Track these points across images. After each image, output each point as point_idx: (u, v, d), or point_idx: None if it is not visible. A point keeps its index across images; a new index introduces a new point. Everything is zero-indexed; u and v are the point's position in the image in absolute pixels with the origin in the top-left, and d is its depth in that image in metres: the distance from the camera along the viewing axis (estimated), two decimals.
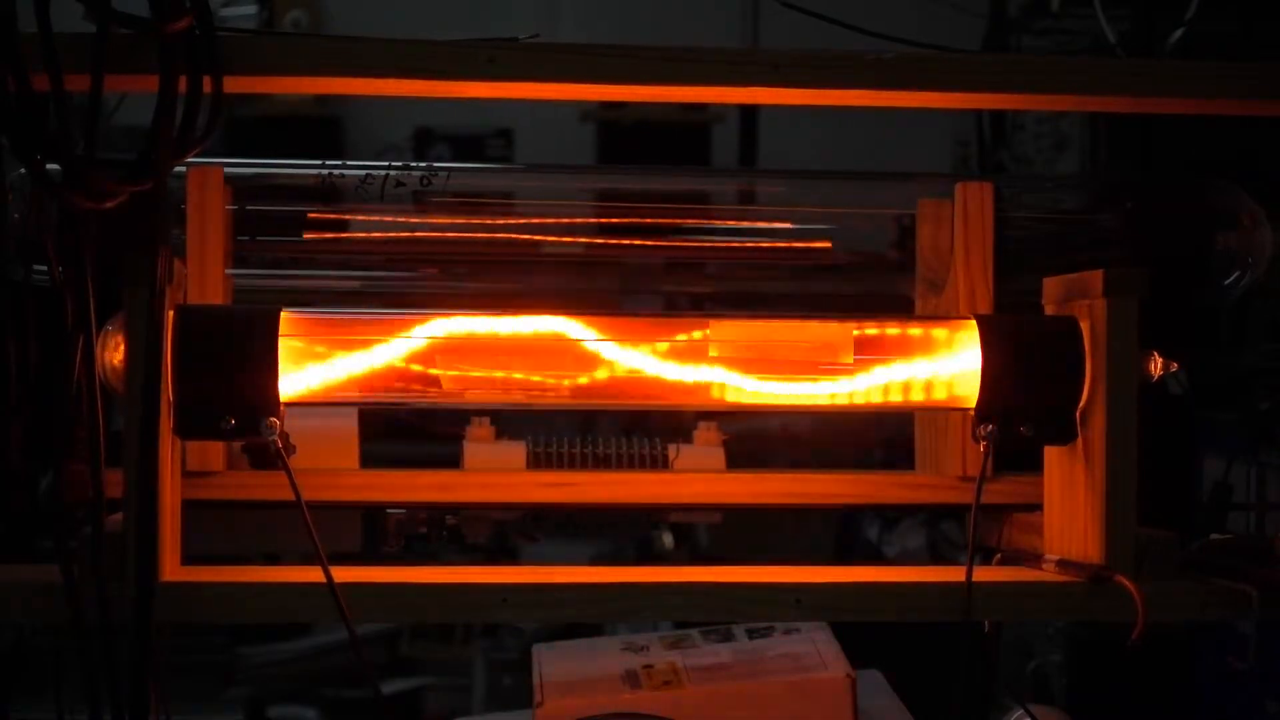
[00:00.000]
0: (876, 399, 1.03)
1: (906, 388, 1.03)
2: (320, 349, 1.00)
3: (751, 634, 1.23)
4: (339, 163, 1.19)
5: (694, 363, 1.02)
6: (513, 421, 1.22)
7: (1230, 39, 1.90)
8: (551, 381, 1.01)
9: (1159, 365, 1.02)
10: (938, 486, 1.15)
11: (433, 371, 1.00)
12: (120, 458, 0.94)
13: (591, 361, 1.01)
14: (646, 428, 1.23)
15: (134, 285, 0.93)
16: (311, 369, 1.00)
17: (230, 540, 1.13)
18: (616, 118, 3.87)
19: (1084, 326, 1.02)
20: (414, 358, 1.00)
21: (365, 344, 1.00)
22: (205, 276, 1.08)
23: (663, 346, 1.02)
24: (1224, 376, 1.66)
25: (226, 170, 1.11)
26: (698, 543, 2.96)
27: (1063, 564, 1.03)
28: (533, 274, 1.23)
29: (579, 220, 1.23)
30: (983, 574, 1.02)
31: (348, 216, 1.18)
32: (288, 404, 0.98)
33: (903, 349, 1.03)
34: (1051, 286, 1.08)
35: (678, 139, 3.88)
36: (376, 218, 1.18)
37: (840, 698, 1.15)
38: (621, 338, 1.01)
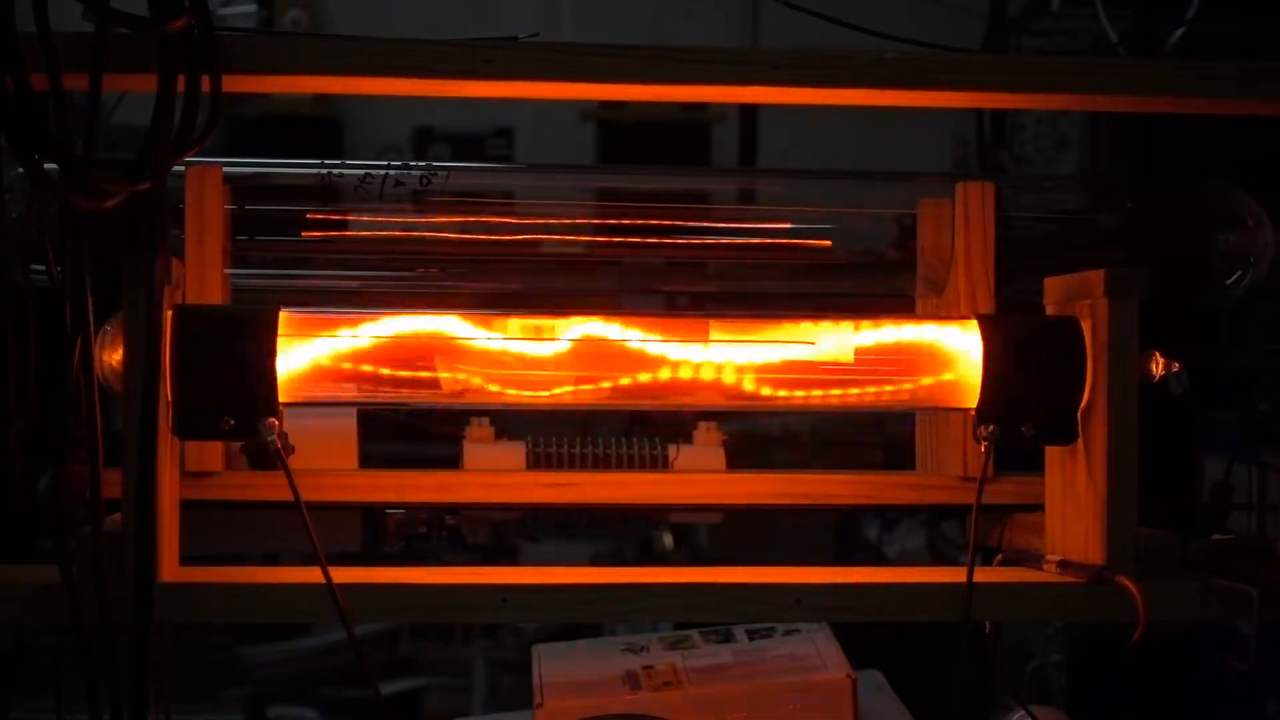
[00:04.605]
0: (877, 399, 1.03)
1: (907, 388, 1.03)
2: (319, 349, 1.00)
3: (752, 635, 1.23)
4: (338, 162, 1.18)
5: (694, 365, 1.02)
6: (513, 421, 1.22)
7: (1230, 39, 1.89)
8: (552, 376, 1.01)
9: (1160, 365, 1.02)
10: (938, 487, 1.15)
11: (434, 374, 1.00)
12: (119, 458, 0.93)
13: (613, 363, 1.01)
14: (646, 428, 1.23)
15: (133, 285, 0.93)
16: (311, 368, 0.99)
17: (230, 540, 1.13)
18: (616, 118, 3.87)
19: (1085, 326, 1.02)
20: (413, 357, 1.00)
21: (365, 344, 1.00)
22: (204, 276, 1.08)
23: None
24: (1224, 376, 1.66)
25: (225, 170, 1.11)
26: (698, 543, 2.97)
27: (1064, 564, 1.03)
28: (533, 274, 1.22)
29: (579, 220, 1.22)
30: (983, 574, 1.02)
31: (347, 216, 1.18)
32: (287, 404, 0.98)
33: (903, 349, 1.03)
34: (1052, 286, 1.08)
35: (678, 139, 3.88)
36: (376, 217, 1.18)
37: (841, 698, 1.15)
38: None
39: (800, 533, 2.58)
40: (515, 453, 1.19)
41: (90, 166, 0.93)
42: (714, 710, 1.14)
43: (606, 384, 1.01)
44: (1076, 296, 1.03)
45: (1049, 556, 1.05)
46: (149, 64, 0.95)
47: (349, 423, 1.16)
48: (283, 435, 0.97)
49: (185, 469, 1.05)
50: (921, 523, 2.85)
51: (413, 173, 1.18)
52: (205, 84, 0.97)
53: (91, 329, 0.95)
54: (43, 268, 1.05)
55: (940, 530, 2.83)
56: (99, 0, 0.93)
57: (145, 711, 0.91)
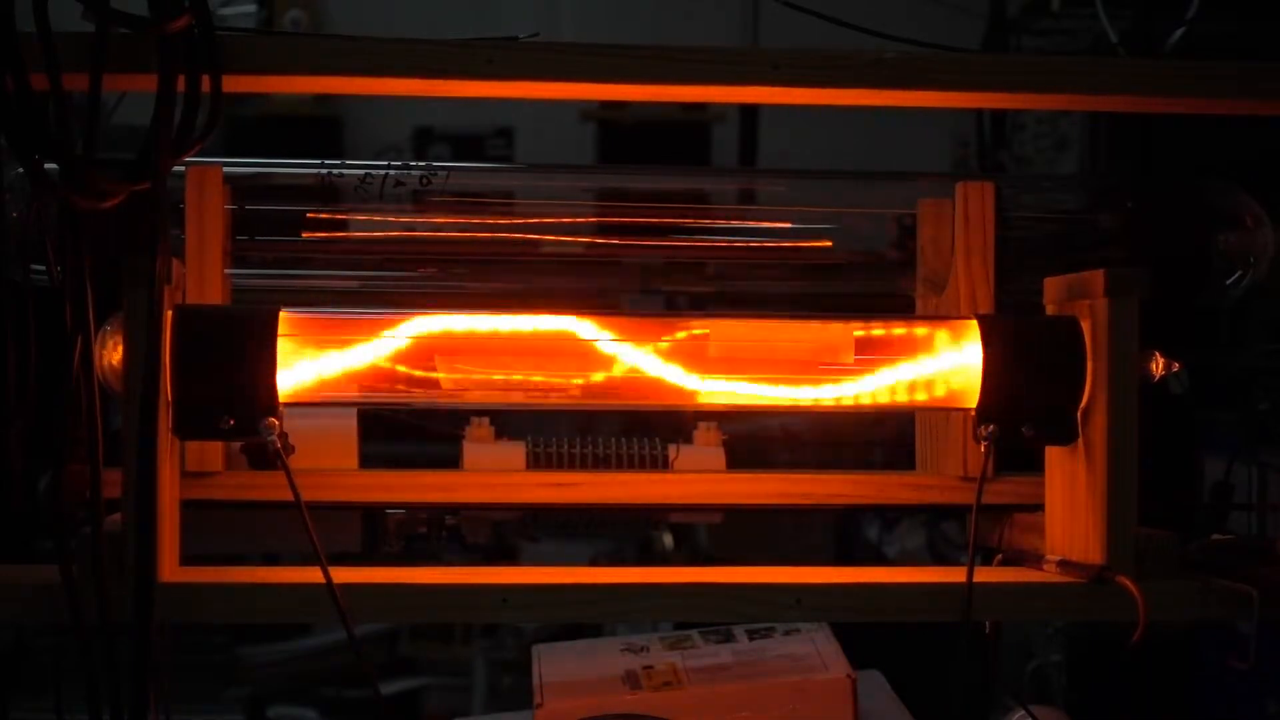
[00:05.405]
0: (877, 399, 1.03)
1: (907, 388, 1.03)
2: (319, 349, 0.99)
3: (752, 635, 1.23)
4: (338, 162, 1.18)
5: (694, 363, 1.02)
6: (513, 421, 1.22)
7: (1230, 39, 1.90)
8: (556, 381, 1.01)
9: (1160, 365, 1.02)
10: (938, 487, 1.15)
11: (432, 374, 1.00)
12: (119, 458, 0.93)
13: (590, 361, 1.01)
14: (646, 428, 1.23)
15: (133, 285, 0.93)
16: (310, 369, 0.99)
17: (230, 540, 1.13)
18: (616, 118, 3.87)
19: (1085, 327, 1.02)
20: (413, 357, 1.00)
21: (365, 344, 1.00)
22: (204, 276, 1.08)
23: (663, 346, 1.01)
24: (1224, 376, 1.66)
25: (225, 170, 1.11)
26: (698, 543, 2.97)
27: (1064, 564, 1.03)
28: (533, 274, 1.22)
29: (579, 220, 1.22)
30: (983, 574, 1.02)
31: (347, 216, 1.18)
32: (287, 404, 0.98)
33: (903, 349, 1.03)
34: (1052, 286, 1.08)
35: (678, 139, 3.88)
36: (376, 217, 1.18)
37: (841, 698, 1.15)
38: (620, 336, 1.01)
39: (800, 533, 2.58)
40: (515, 453, 1.19)
41: (90, 166, 0.93)
42: (714, 710, 1.14)
43: (594, 382, 1.01)
44: (1076, 296, 1.03)
45: (1049, 556, 1.05)
46: (149, 64, 0.95)
47: (349, 423, 1.16)
48: (283, 435, 0.97)
49: (185, 469, 1.05)
50: (921, 523, 2.85)
51: (413, 173, 1.18)
52: (205, 84, 0.97)
53: (91, 329, 0.95)
54: (43, 268, 1.05)
55: (940, 530, 2.83)
56: (99, 0, 0.93)
57: (145, 711, 0.91)
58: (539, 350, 1.01)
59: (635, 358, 1.01)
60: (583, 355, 1.01)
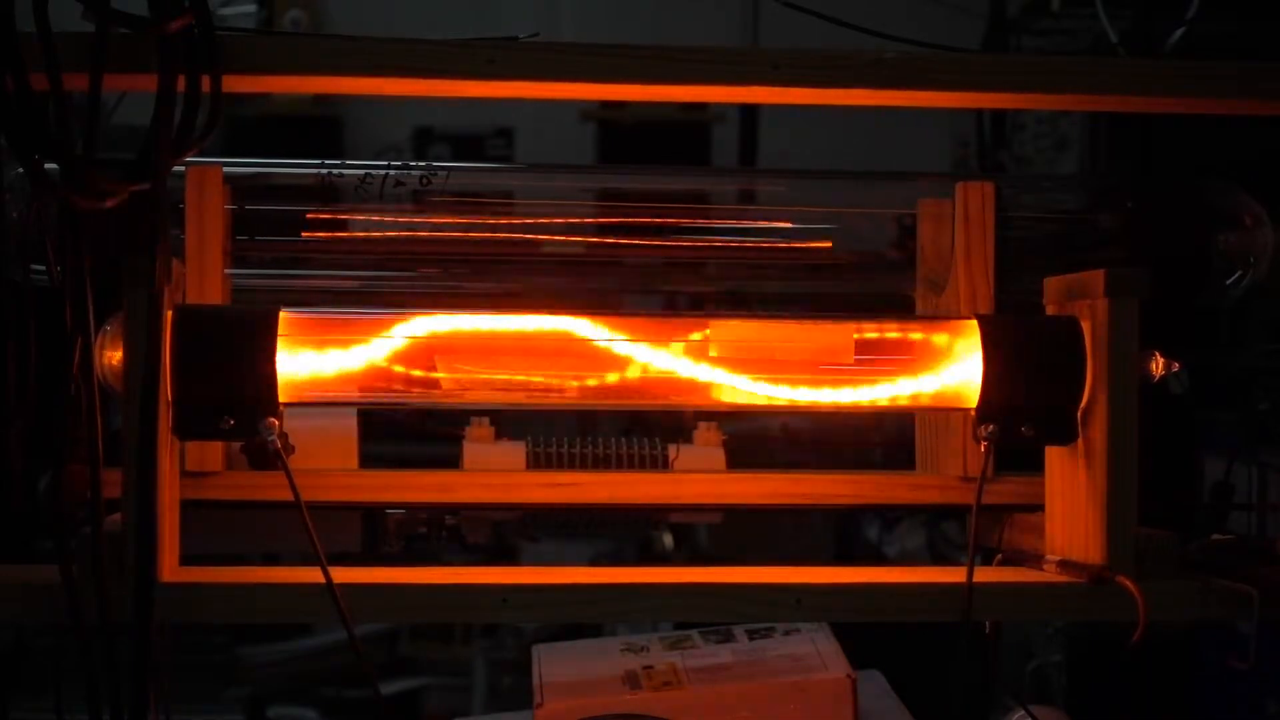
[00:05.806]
0: (877, 399, 1.03)
1: (907, 388, 1.03)
2: (319, 349, 0.99)
3: (752, 635, 1.23)
4: (338, 162, 1.19)
5: (695, 361, 1.02)
6: (513, 421, 1.22)
7: (1230, 39, 1.90)
8: (554, 382, 1.01)
9: (1160, 365, 1.02)
10: (938, 487, 1.15)
11: (433, 375, 1.00)
12: (119, 458, 0.93)
13: (591, 362, 1.01)
14: (646, 428, 1.23)
15: (133, 285, 0.93)
16: (310, 369, 0.99)
17: (230, 540, 1.13)
18: (616, 118, 3.87)
19: (1085, 327, 1.02)
20: (413, 357, 1.00)
21: (365, 343, 1.00)
22: (204, 276, 1.08)
23: (666, 345, 1.01)
24: (1224, 376, 1.66)
25: (225, 170, 1.11)
26: (698, 543, 2.97)
27: (1064, 564, 1.03)
28: (533, 274, 1.22)
29: (579, 220, 1.22)
30: (983, 574, 1.02)
31: (347, 216, 1.18)
32: (287, 404, 0.98)
33: (903, 349, 1.03)
34: (1052, 286, 1.08)
35: (678, 139, 3.88)
36: (376, 217, 1.18)
37: (841, 698, 1.15)
38: (621, 336, 1.01)
39: (800, 533, 2.58)
40: (515, 453, 1.19)
41: (90, 166, 0.93)
42: (714, 710, 1.14)
43: (604, 383, 1.01)
44: (1076, 296, 1.03)
45: (1049, 556, 1.05)
46: (149, 64, 0.95)
47: (349, 423, 1.16)
48: (283, 435, 0.97)
49: (185, 469, 1.05)
50: (921, 523, 2.85)
51: (413, 173, 1.18)
52: (205, 84, 0.97)
53: (91, 329, 0.95)
54: (43, 268, 1.05)
55: (940, 530, 2.83)
56: (99, 0, 0.93)
57: (145, 711, 0.91)
58: (539, 349, 1.01)
59: (644, 356, 1.01)
60: (581, 356, 1.01)
